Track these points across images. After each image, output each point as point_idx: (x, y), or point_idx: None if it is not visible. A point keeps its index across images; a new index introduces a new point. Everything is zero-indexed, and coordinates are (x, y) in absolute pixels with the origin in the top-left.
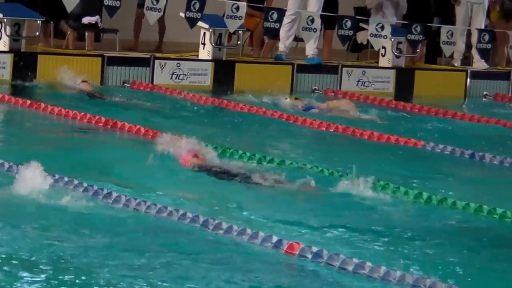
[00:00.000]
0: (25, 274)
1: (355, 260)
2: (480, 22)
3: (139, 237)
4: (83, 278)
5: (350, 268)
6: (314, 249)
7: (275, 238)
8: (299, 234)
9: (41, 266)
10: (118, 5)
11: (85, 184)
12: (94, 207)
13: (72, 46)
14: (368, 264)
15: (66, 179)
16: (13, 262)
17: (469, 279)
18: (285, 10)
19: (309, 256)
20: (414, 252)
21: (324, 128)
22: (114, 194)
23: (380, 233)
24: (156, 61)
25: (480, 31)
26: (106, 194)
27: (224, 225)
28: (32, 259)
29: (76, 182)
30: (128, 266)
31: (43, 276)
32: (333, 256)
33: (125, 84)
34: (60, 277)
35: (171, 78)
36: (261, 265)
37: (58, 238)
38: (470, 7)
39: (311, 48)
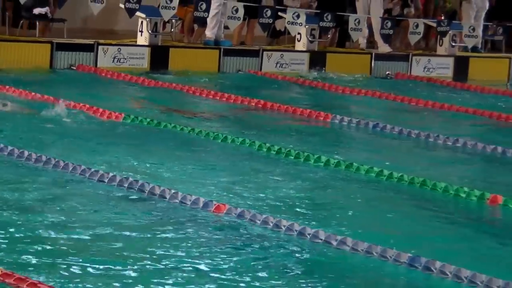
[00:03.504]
0: None
1: (285, 222)
2: (380, 10)
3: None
4: None
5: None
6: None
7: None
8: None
9: None
10: None
11: None
12: None
13: (25, 34)
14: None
15: None
16: None
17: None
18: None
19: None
20: (333, 215)
21: (239, 102)
22: None
23: (298, 199)
24: (100, 47)
25: (384, 19)
26: None
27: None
28: None
29: None
30: None
31: None
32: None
33: (71, 67)
34: None
35: (113, 61)
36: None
37: None
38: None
39: (209, 32)
